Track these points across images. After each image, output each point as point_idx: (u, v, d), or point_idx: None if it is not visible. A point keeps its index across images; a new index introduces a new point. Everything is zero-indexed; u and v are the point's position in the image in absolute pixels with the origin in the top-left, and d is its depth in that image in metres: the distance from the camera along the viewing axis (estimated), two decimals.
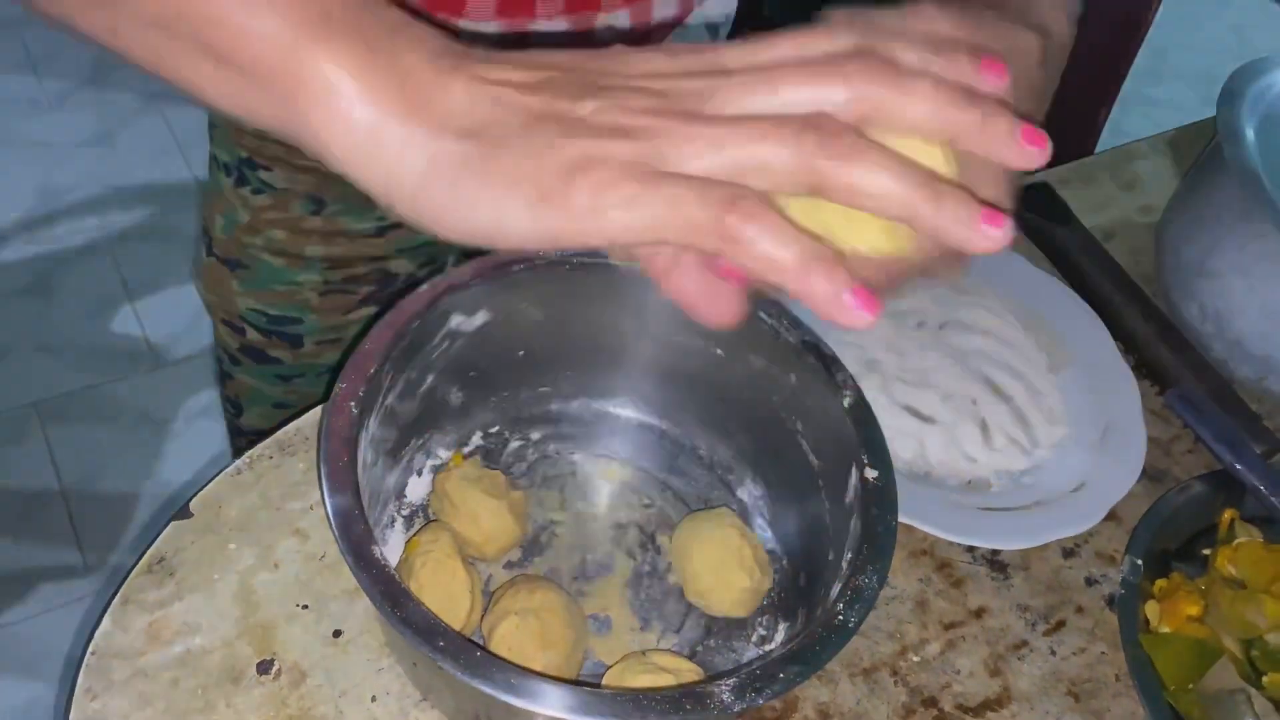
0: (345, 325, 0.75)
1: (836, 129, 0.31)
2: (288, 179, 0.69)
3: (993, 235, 0.31)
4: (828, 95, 0.31)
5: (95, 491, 1.56)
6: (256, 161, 0.69)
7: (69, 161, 1.99)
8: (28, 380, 1.66)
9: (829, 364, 0.54)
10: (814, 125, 0.31)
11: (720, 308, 0.35)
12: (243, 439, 0.84)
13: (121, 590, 0.52)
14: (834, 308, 0.30)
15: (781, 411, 0.57)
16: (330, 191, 0.70)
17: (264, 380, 0.78)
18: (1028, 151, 0.32)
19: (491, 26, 0.58)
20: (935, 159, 0.32)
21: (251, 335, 0.75)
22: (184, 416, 1.65)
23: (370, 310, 0.76)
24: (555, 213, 0.31)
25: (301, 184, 0.69)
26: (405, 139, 0.32)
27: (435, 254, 0.77)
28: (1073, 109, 1.06)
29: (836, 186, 0.31)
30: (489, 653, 0.42)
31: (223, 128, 0.70)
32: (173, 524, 0.55)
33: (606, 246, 0.32)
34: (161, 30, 0.34)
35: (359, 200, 0.70)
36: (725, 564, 0.54)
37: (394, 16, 0.34)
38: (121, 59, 0.35)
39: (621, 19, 0.59)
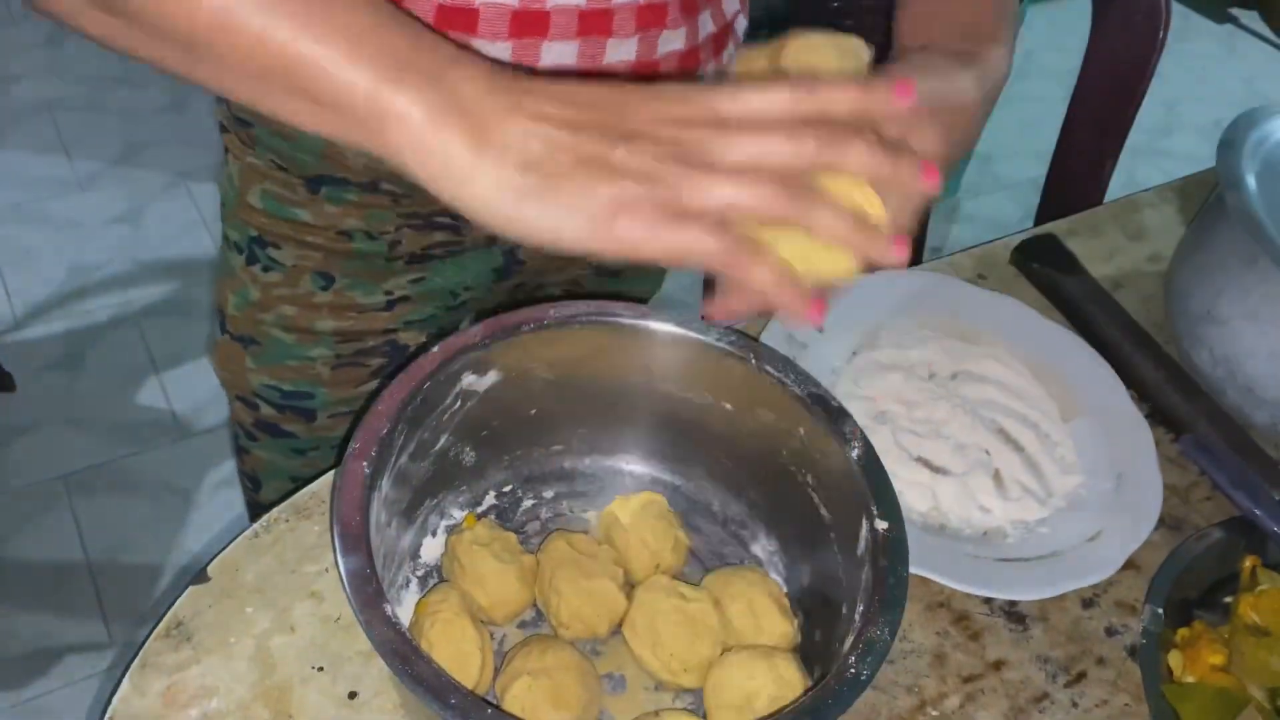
0: (357, 398, 0.76)
1: (798, 181, 0.43)
2: (297, 256, 0.70)
3: (898, 257, 0.44)
4: (795, 150, 0.43)
5: (121, 563, 1.56)
6: (266, 239, 0.70)
7: (98, 239, 2.04)
8: (57, 453, 1.68)
9: (835, 416, 0.54)
10: (781, 179, 0.43)
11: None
12: (262, 514, 0.84)
13: (140, 654, 0.52)
14: (796, 315, 0.44)
15: (791, 465, 0.57)
16: (338, 267, 0.71)
17: (280, 454, 0.79)
18: (927, 183, 0.45)
19: (503, 47, 0.59)
20: (863, 192, 0.45)
21: (265, 410, 0.76)
22: (207, 487, 1.67)
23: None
24: (603, 239, 0.42)
25: (310, 260, 0.70)
26: (472, 165, 0.42)
27: (444, 325, 0.77)
28: (1079, 163, 1.07)
29: (796, 222, 0.44)
30: (501, 711, 0.42)
31: (233, 207, 0.71)
32: (191, 589, 0.55)
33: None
34: (261, 81, 0.43)
35: (368, 275, 0.71)
36: (767, 611, 0.54)
37: (450, 52, 0.43)
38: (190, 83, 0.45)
39: (628, 48, 0.61)
